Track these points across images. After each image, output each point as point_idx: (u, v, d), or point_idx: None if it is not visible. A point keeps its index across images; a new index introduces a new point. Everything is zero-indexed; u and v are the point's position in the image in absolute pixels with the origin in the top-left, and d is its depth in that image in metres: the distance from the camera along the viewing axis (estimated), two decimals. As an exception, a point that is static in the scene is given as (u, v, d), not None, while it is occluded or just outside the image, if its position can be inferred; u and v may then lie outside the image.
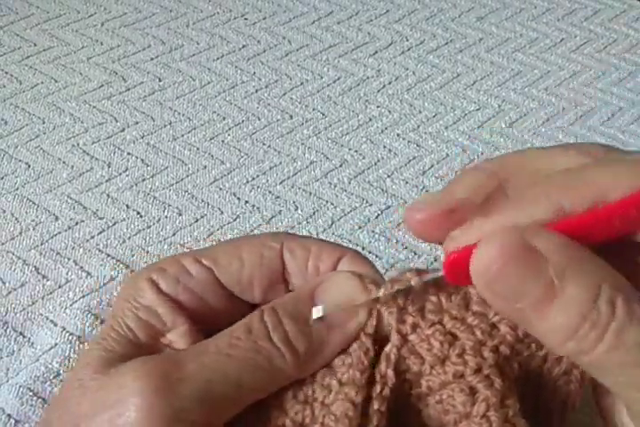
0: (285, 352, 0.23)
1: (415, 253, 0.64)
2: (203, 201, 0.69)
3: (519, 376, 0.21)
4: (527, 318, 0.18)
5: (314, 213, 0.69)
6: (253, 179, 0.72)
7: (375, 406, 0.21)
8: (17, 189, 0.70)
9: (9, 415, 0.50)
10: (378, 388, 0.21)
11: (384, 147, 0.77)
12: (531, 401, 0.21)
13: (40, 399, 0.52)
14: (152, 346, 0.24)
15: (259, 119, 0.79)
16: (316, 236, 0.67)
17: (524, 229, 0.19)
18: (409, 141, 0.78)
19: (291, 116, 0.80)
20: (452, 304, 0.22)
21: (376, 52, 0.91)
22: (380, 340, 0.23)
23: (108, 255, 0.63)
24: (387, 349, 0.22)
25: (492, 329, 0.21)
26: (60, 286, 0.60)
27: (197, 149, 0.75)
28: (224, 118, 0.79)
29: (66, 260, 0.63)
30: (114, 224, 0.66)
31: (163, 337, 0.24)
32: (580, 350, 0.17)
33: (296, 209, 0.69)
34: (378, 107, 0.82)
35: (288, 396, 0.23)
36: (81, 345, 0.55)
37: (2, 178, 0.71)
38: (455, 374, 0.21)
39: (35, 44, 0.89)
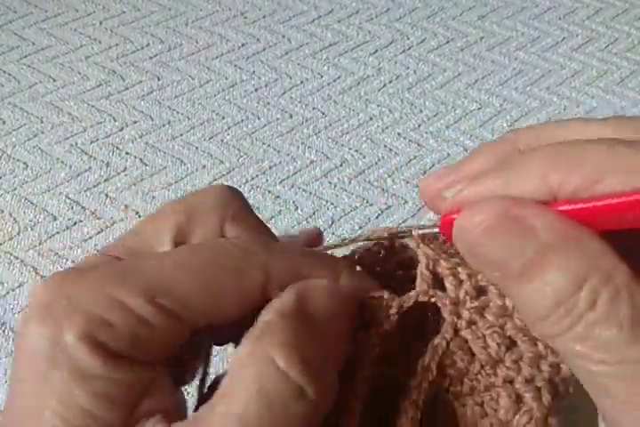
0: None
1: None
2: (202, 201, 0.69)
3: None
4: (504, 288, 0.17)
5: (314, 213, 0.68)
6: (253, 178, 0.72)
7: (413, 396, 0.20)
8: (15, 188, 0.69)
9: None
10: (417, 380, 0.20)
11: (384, 146, 0.76)
12: None
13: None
14: None
15: (258, 118, 0.79)
16: (316, 236, 0.67)
17: (515, 199, 0.17)
18: (410, 141, 0.77)
19: (290, 116, 0.79)
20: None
21: (376, 50, 0.90)
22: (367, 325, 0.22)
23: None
24: (435, 341, 0.21)
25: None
26: (57, 287, 0.60)
27: (196, 148, 0.75)
28: (223, 117, 0.79)
29: (64, 260, 0.62)
30: (112, 224, 0.66)
31: None
32: (547, 335, 0.16)
33: (296, 209, 0.68)
34: (378, 106, 0.81)
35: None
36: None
37: (0, 178, 0.71)
38: (505, 378, 0.20)
39: (33, 43, 0.88)
